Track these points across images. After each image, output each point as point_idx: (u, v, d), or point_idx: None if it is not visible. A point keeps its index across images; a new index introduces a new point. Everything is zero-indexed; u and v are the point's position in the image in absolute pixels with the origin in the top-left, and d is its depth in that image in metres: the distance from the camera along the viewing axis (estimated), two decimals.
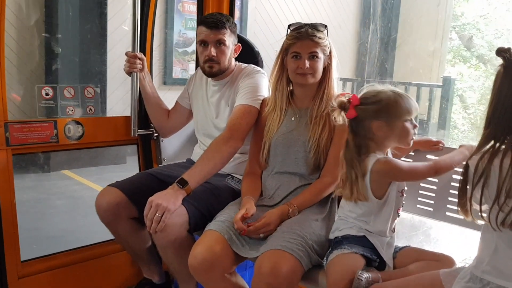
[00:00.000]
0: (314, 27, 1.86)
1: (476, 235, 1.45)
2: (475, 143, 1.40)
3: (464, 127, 8.34)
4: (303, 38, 1.84)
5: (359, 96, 1.67)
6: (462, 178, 1.39)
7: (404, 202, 1.74)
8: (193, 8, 6.18)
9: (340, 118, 1.67)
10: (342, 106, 1.65)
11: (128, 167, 5.28)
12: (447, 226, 1.91)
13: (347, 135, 1.68)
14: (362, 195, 1.63)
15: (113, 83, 5.47)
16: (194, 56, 6.25)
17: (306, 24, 1.87)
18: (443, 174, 1.69)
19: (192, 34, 6.19)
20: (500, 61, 1.29)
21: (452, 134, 8.06)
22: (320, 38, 1.85)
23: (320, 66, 1.88)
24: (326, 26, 1.90)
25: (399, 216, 1.72)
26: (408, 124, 1.64)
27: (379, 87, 1.68)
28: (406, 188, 1.72)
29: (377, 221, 1.65)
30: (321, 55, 1.87)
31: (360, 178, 1.63)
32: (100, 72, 5.45)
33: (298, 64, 1.86)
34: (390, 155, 1.72)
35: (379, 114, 1.62)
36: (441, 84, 6.47)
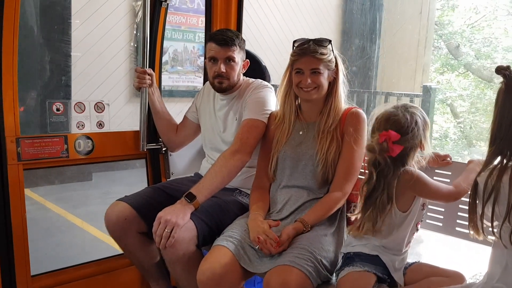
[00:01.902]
0: (317, 43, 1.87)
1: (480, 249, 1.44)
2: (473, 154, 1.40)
3: (455, 135, 8.29)
4: (305, 54, 1.86)
5: (373, 124, 1.63)
6: (471, 195, 1.38)
7: (423, 217, 1.72)
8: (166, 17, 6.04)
9: (380, 159, 1.60)
10: (384, 150, 1.57)
11: (94, 184, 5.04)
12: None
13: (384, 172, 1.59)
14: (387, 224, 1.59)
15: (79, 96, 5.29)
16: (166, 67, 5.94)
17: (310, 40, 1.88)
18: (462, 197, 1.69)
19: (164, 44, 6.01)
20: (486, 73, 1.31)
21: (443, 143, 8.00)
22: (322, 54, 1.86)
23: (324, 80, 1.88)
24: (330, 41, 1.90)
25: (417, 230, 1.71)
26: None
27: (387, 107, 1.66)
28: (427, 202, 1.72)
29: (397, 235, 1.64)
30: (324, 70, 1.87)
31: (388, 209, 1.58)
32: (65, 85, 5.32)
33: (300, 80, 1.88)
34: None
35: (425, 135, 1.62)
36: (421, 93, 6.28)
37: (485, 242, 1.43)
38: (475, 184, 1.39)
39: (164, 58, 6.10)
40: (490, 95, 8.07)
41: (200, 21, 6.07)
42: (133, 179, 4.99)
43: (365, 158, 1.92)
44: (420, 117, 1.63)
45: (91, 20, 5.39)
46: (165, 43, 6.01)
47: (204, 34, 2.65)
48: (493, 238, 1.36)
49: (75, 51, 5.28)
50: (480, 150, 7.77)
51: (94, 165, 4.65)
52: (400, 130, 1.58)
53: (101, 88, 5.52)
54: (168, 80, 6.20)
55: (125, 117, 5.50)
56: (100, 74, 5.54)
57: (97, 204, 4.13)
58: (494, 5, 8.22)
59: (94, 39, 5.42)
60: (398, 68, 7.66)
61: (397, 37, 7.67)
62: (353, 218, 1.74)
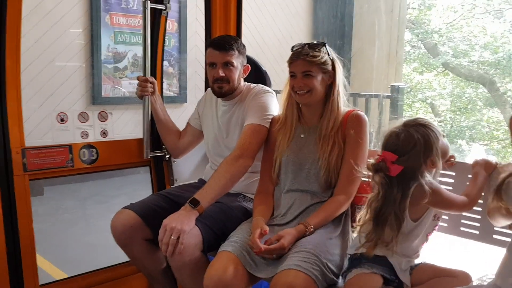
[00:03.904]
0: (310, 46, 1.88)
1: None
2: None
3: None
4: (297, 58, 1.87)
5: (383, 149, 1.60)
6: (496, 195, 1.39)
7: (436, 228, 1.70)
8: (122, 20, 5.57)
9: (377, 178, 1.60)
10: (379, 170, 1.58)
11: (45, 199, 4.67)
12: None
13: (387, 192, 1.57)
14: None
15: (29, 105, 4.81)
16: (126, 72, 5.65)
17: (305, 44, 1.89)
18: None
19: (122, 49, 5.64)
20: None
21: None
22: (313, 56, 1.85)
23: (317, 84, 1.87)
24: (324, 44, 1.90)
25: (427, 241, 1.69)
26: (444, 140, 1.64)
27: (396, 124, 1.64)
28: (441, 213, 1.69)
29: (406, 244, 1.62)
30: (317, 73, 1.87)
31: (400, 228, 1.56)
32: None
33: (294, 83, 1.89)
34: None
35: (428, 153, 1.57)
36: (389, 93, 5.90)
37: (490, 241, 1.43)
38: (502, 183, 1.38)
39: (123, 64, 5.73)
40: (470, 93, 8.02)
41: None
42: (88, 192, 4.86)
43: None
44: (423, 136, 1.57)
45: (40, 25, 5.08)
46: (124, 48, 5.68)
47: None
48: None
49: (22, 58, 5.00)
50: (460, 148, 7.71)
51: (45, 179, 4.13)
52: (397, 151, 1.57)
53: (54, 97, 5.22)
54: (128, 86, 5.77)
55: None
56: (52, 82, 5.23)
57: (42, 223, 3.82)
58: (471, 3, 8.19)
59: (44, 46, 5.10)
60: (370, 68, 7.43)
61: (369, 36, 7.42)
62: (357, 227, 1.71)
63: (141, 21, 5.93)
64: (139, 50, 5.77)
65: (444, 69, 8.38)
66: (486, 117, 8.18)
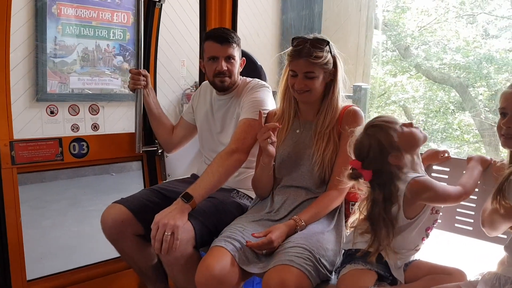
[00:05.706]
0: (314, 44, 1.82)
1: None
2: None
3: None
4: (300, 57, 1.82)
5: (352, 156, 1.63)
6: (497, 192, 1.39)
7: (436, 223, 1.70)
8: (71, 11, 5.16)
9: (363, 186, 1.62)
10: (356, 177, 1.61)
11: None
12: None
13: (372, 194, 1.59)
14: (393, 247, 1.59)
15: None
16: (75, 67, 5.29)
17: (307, 40, 1.83)
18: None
19: (71, 42, 5.21)
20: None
21: None
22: (317, 57, 1.81)
23: (318, 84, 1.86)
24: (328, 42, 1.86)
25: (427, 236, 1.68)
26: (404, 129, 1.62)
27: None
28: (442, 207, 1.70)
29: (401, 240, 1.62)
30: (319, 73, 1.84)
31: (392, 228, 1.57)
32: None
33: (294, 82, 1.86)
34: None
35: (385, 152, 1.58)
36: (352, 94, 5.67)
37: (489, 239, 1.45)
38: (505, 180, 1.38)
39: (72, 58, 5.29)
40: (442, 96, 8.17)
41: (115, 16, 5.47)
42: (24, 196, 4.60)
43: None
44: (374, 138, 1.58)
45: None
46: (73, 41, 5.24)
47: (200, 34, 2.59)
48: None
49: None
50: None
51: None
52: (360, 156, 1.60)
53: None
54: (77, 83, 5.35)
55: (27, 123, 4.85)
56: None
57: None
58: (445, 7, 8.34)
59: None
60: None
61: (338, 35, 7.25)
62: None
63: (92, 13, 5.72)
64: (89, 44, 5.43)
65: (417, 72, 8.51)
66: (458, 120, 8.36)
